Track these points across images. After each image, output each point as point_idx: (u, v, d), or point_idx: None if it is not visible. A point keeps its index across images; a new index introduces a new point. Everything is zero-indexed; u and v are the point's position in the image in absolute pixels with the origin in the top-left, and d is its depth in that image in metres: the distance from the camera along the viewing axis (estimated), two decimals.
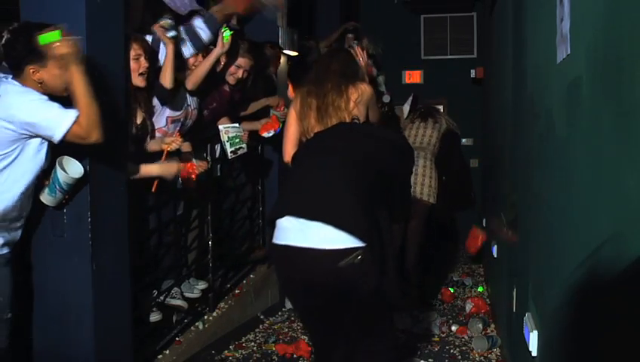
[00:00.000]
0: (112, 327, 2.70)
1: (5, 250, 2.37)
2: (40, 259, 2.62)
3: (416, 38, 7.20)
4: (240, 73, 3.70)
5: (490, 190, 5.07)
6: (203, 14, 3.42)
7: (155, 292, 3.28)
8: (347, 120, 2.52)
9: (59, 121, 2.24)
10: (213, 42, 3.41)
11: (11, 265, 2.40)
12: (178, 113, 3.31)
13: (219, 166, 3.89)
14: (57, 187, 2.42)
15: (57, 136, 2.25)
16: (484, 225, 5.43)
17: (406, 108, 5.43)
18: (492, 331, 4.01)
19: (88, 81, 2.28)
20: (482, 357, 3.67)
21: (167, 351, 3.25)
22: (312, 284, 2.25)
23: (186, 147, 3.24)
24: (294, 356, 3.65)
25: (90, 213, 2.54)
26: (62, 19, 2.41)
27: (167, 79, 3.13)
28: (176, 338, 3.38)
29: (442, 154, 5.00)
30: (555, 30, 1.85)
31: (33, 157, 2.33)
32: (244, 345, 3.84)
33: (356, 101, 2.52)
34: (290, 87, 4.30)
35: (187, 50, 3.36)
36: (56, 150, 2.39)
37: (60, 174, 2.40)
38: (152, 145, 3.11)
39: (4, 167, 2.29)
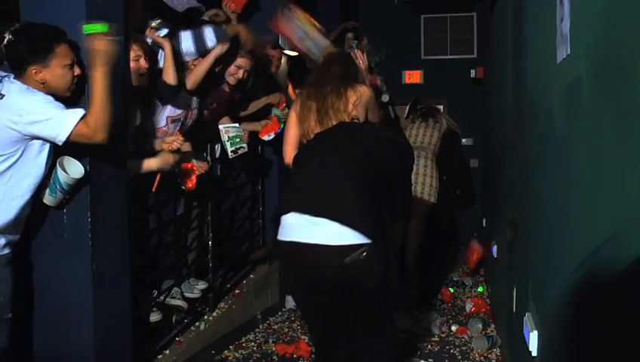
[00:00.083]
0: (112, 327, 2.70)
1: (6, 250, 2.37)
2: (40, 259, 2.62)
3: (416, 38, 7.20)
4: (240, 73, 3.70)
5: (490, 190, 5.07)
6: (213, 20, 3.45)
7: (155, 292, 3.28)
8: (346, 121, 2.53)
9: (64, 121, 2.25)
10: None
11: (12, 265, 2.40)
12: (178, 113, 3.31)
13: (219, 166, 3.89)
14: (58, 187, 2.42)
15: (63, 136, 2.26)
16: (483, 225, 5.44)
17: (406, 110, 5.45)
18: (492, 331, 4.01)
19: (109, 84, 2.30)
20: (482, 357, 3.67)
21: (167, 351, 3.25)
22: (318, 280, 2.27)
23: (187, 147, 3.24)
24: (294, 356, 3.65)
25: (90, 213, 2.54)
26: (62, 19, 2.42)
27: (170, 76, 3.16)
28: (176, 338, 3.38)
29: (443, 153, 5.02)
30: (555, 30, 1.85)
31: (35, 157, 2.34)
32: (244, 345, 3.84)
33: (355, 103, 2.54)
34: (290, 87, 4.30)
35: (189, 54, 3.36)
36: (58, 150, 2.40)
37: (61, 174, 2.40)
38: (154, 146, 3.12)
39: (8, 167, 2.30)
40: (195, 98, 3.46)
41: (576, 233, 1.58)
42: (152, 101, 3.20)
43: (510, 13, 3.36)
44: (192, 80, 3.35)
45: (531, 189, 2.40)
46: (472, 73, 6.56)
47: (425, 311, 4.35)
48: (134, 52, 2.90)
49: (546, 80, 2.08)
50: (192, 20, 3.51)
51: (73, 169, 2.44)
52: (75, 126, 2.25)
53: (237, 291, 4.08)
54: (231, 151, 3.66)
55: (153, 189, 3.03)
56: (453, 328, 4.08)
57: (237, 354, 3.69)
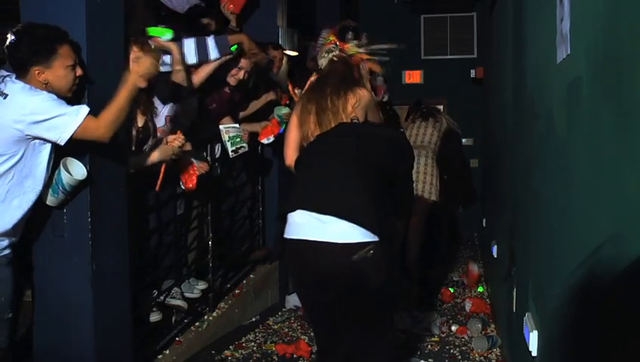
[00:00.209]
0: (112, 327, 2.70)
1: (7, 251, 2.38)
2: (40, 259, 2.62)
3: (416, 38, 7.20)
4: (241, 74, 3.73)
5: (490, 190, 5.08)
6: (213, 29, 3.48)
7: (155, 292, 3.28)
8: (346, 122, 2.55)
9: (69, 120, 2.27)
10: None
11: (12, 265, 2.40)
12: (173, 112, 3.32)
13: (217, 165, 3.89)
14: (60, 188, 2.43)
15: (67, 134, 2.28)
16: (483, 224, 5.44)
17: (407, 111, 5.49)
18: (492, 331, 4.01)
19: (135, 93, 2.44)
20: (482, 357, 3.67)
21: (167, 351, 3.25)
22: (325, 277, 2.29)
23: (187, 147, 3.24)
24: (294, 356, 3.65)
25: (90, 213, 2.54)
26: (62, 19, 2.42)
27: (180, 78, 3.20)
28: (177, 339, 3.38)
29: (443, 153, 5.05)
30: (555, 30, 1.85)
31: (37, 157, 2.34)
32: (244, 345, 3.84)
33: (354, 106, 2.55)
34: (290, 87, 4.31)
35: (190, 63, 3.37)
36: (59, 151, 2.40)
37: (64, 175, 2.40)
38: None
39: (10, 167, 2.30)
40: (194, 98, 3.47)
41: (576, 233, 1.58)
42: (153, 102, 3.20)
43: (510, 13, 3.36)
44: (195, 80, 3.38)
45: (531, 189, 2.40)
46: (472, 73, 6.56)
47: (425, 311, 4.35)
48: (134, 53, 2.90)
49: (546, 80, 2.08)
50: (192, 22, 3.52)
51: (76, 170, 2.45)
52: (81, 123, 2.27)
53: (237, 291, 4.08)
54: (232, 151, 3.67)
55: (157, 188, 3.03)
56: (453, 328, 4.08)
57: (237, 354, 3.69)
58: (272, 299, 4.45)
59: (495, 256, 4.03)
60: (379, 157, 2.41)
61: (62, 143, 2.30)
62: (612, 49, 1.29)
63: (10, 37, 2.31)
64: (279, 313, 4.44)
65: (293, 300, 4.58)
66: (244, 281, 4.24)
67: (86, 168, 2.48)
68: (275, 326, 4.19)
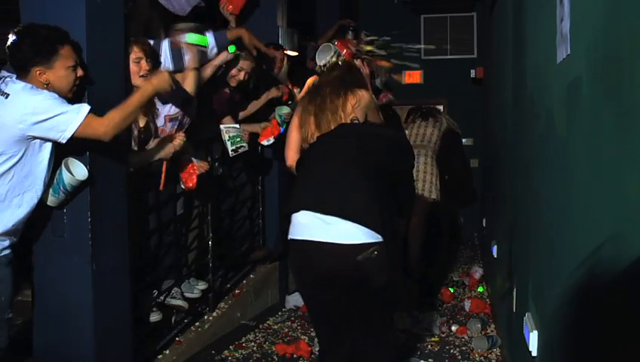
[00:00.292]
0: (112, 327, 2.70)
1: (8, 251, 2.38)
2: (40, 259, 2.62)
3: (416, 38, 7.20)
4: (242, 76, 3.74)
5: (490, 190, 5.08)
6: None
7: (155, 292, 3.28)
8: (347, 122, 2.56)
9: (70, 119, 2.28)
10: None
11: (12, 265, 2.40)
12: (176, 111, 3.32)
13: (217, 164, 3.89)
14: (61, 188, 2.43)
15: (68, 133, 2.29)
16: (483, 224, 5.44)
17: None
18: (492, 331, 4.01)
19: (145, 101, 2.53)
20: (482, 357, 3.67)
21: (167, 351, 3.25)
22: (330, 277, 2.31)
23: (187, 146, 3.25)
24: (294, 356, 3.65)
25: (90, 213, 2.54)
26: (62, 19, 2.42)
27: (190, 84, 3.22)
28: (177, 339, 3.38)
29: (444, 152, 5.09)
30: (555, 30, 1.85)
31: (38, 156, 2.35)
32: (244, 345, 3.84)
33: (354, 106, 2.57)
34: (290, 87, 4.31)
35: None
36: (60, 151, 2.40)
37: (66, 176, 2.40)
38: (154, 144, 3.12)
39: (11, 167, 2.30)
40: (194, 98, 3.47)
41: (576, 233, 1.58)
42: (154, 103, 3.20)
43: (510, 13, 3.36)
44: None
45: (531, 189, 2.40)
46: (472, 73, 6.56)
47: (425, 311, 4.35)
48: (135, 54, 2.90)
49: (546, 80, 2.08)
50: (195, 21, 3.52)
51: (78, 170, 2.45)
52: (82, 122, 2.28)
53: (237, 291, 4.08)
54: (232, 150, 3.69)
55: (161, 187, 3.03)
56: (453, 328, 4.08)
57: (237, 354, 3.69)
58: (272, 299, 4.45)
59: (495, 256, 4.03)
60: (380, 157, 2.43)
61: (64, 141, 2.31)
62: (612, 49, 1.29)
63: (11, 37, 2.32)
64: (279, 313, 4.44)
65: (293, 300, 4.59)
66: (244, 281, 4.24)
67: (86, 168, 2.48)
68: (275, 326, 4.19)
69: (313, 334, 3.92)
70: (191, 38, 3.15)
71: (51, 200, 2.48)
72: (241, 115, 4.09)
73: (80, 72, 2.39)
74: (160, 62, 3.18)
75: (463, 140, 6.56)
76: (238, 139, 3.69)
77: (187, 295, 3.50)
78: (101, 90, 2.56)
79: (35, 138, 2.30)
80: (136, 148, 2.97)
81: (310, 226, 2.30)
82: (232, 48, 3.46)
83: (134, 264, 2.87)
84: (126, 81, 2.81)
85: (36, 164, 2.35)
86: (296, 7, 5.31)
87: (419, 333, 4.02)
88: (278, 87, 4.15)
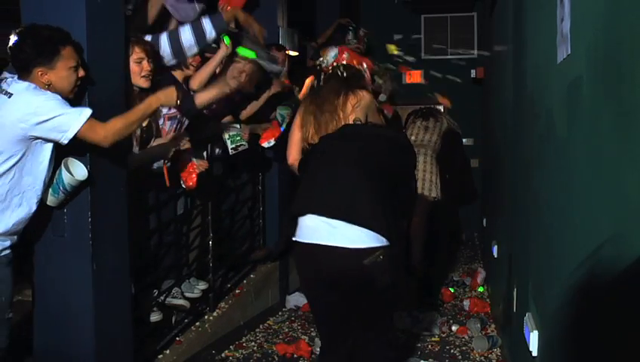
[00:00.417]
0: (112, 327, 2.70)
1: (8, 251, 2.38)
2: (40, 258, 2.62)
3: (416, 38, 7.20)
4: (243, 77, 3.74)
5: (490, 190, 5.08)
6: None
7: (156, 292, 3.28)
8: (350, 123, 2.58)
9: (72, 120, 2.28)
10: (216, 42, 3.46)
11: (12, 265, 2.40)
12: (174, 110, 3.32)
13: (219, 165, 3.90)
14: (61, 188, 2.43)
15: (69, 134, 2.29)
16: (483, 224, 5.44)
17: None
18: (492, 331, 4.01)
19: (150, 114, 2.54)
20: (482, 357, 3.67)
21: (168, 351, 3.24)
22: (337, 281, 2.35)
23: (186, 145, 3.25)
24: (294, 356, 3.65)
25: (91, 213, 2.54)
26: (62, 19, 2.42)
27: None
28: (177, 338, 3.38)
29: (444, 152, 5.12)
30: (556, 30, 1.85)
31: (39, 156, 2.35)
32: (244, 344, 3.84)
33: (354, 106, 2.61)
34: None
35: (190, 48, 3.36)
36: (61, 151, 2.40)
37: (65, 176, 2.41)
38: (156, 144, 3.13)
39: (12, 166, 2.30)
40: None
41: (576, 233, 1.58)
42: None
43: (510, 14, 3.36)
44: (197, 81, 3.39)
45: (531, 189, 2.40)
46: (472, 73, 6.56)
47: (425, 311, 4.35)
48: (136, 54, 2.89)
49: (546, 80, 2.08)
50: None
51: (77, 171, 2.45)
52: (84, 124, 2.29)
53: (237, 291, 4.08)
54: (231, 149, 3.71)
55: (167, 184, 3.03)
56: (454, 328, 4.08)
57: (237, 354, 3.69)
58: (272, 299, 4.45)
59: (495, 256, 4.03)
60: (382, 158, 2.45)
61: (65, 142, 2.31)
62: (612, 49, 1.29)
63: (13, 38, 2.32)
64: (279, 313, 4.44)
65: (293, 300, 4.59)
66: (245, 281, 4.24)
67: (86, 168, 2.48)
68: (276, 326, 4.19)
69: (313, 334, 3.93)
70: (242, 51, 3.39)
71: (51, 200, 2.48)
72: (243, 114, 4.09)
73: (81, 73, 2.40)
74: (161, 64, 3.18)
75: (463, 140, 6.57)
76: (238, 138, 3.70)
77: (187, 295, 3.50)
78: (101, 90, 2.56)
79: (36, 138, 2.30)
80: (137, 148, 2.97)
81: (317, 230, 2.33)
82: (227, 40, 3.46)
83: (134, 264, 2.87)
84: (126, 81, 2.81)
85: (37, 164, 2.36)
86: (296, 7, 5.32)
87: (419, 333, 4.02)
88: (277, 82, 4.15)
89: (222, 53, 3.45)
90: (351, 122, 2.58)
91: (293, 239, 2.44)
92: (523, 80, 2.71)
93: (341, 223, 2.29)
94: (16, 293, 2.62)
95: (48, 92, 2.30)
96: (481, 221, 5.92)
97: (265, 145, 3.98)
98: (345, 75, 2.79)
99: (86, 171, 2.46)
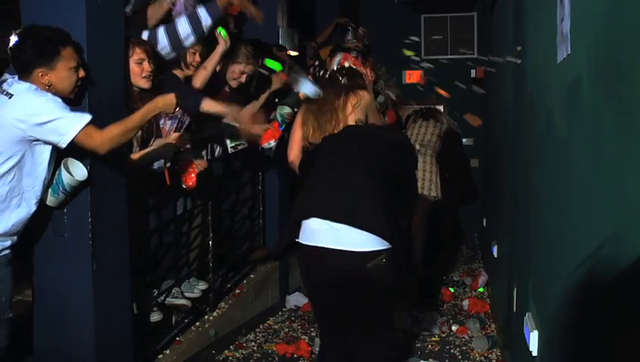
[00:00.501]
0: (112, 327, 2.70)
1: (7, 251, 2.38)
2: (40, 258, 2.62)
3: (416, 38, 7.20)
4: (243, 78, 3.75)
5: (490, 190, 5.08)
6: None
7: (156, 292, 3.28)
8: (347, 124, 2.59)
9: (70, 125, 2.28)
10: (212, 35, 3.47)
11: (12, 265, 2.40)
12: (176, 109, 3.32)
13: (219, 165, 3.90)
14: (60, 188, 2.43)
15: (67, 138, 2.28)
16: (483, 224, 5.44)
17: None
18: (492, 331, 4.01)
19: (144, 123, 2.55)
20: (482, 357, 3.67)
21: (168, 351, 3.24)
22: (340, 282, 2.40)
23: (186, 145, 3.25)
24: (294, 356, 3.65)
25: (91, 213, 2.54)
26: (62, 19, 2.42)
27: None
28: (177, 338, 3.38)
29: (445, 152, 5.14)
30: (556, 30, 1.85)
31: (38, 158, 2.35)
32: (244, 344, 3.84)
33: (355, 105, 2.63)
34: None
35: (187, 38, 3.35)
36: (60, 151, 2.40)
37: (65, 176, 2.41)
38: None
39: (11, 167, 2.30)
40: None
41: (576, 233, 1.58)
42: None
43: (510, 13, 3.36)
44: (200, 79, 3.39)
45: (531, 189, 2.40)
46: (472, 73, 6.56)
47: (425, 311, 4.35)
48: (137, 55, 2.89)
49: (546, 80, 2.08)
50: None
51: (77, 171, 2.45)
52: (81, 130, 2.28)
53: (237, 291, 4.08)
54: (231, 147, 3.73)
55: (167, 183, 3.03)
56: (454, 328, 4.08)
57: (237, 354, 3.69)
58: (272, 299, 4.45)
59: (495, 256, 4.03)
60: (384, 159, 2.48)
61: (63, 146, 2.31)
62: (612, 49, 1.29)
63: (13, 39, 2.32)
64: (279, 313, 4.44)
65: (293, 300, 4.59)
66: (245, 281, 4.24)
67: (86, 168, 2.48)
68: (276, 326, 4.19)
69: (313, 334, 3.93)
70: (269, 62, 3.67)
71: (50, 201, 2.48)
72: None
73: (82, 73, 2.40)
74: (161, 64, 3.18)
75: (463, 140, 6.58)
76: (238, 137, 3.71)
77: (187, 295, 3.50)
78: (101, 90, 2.56)
79: (36, 140, 2.30)
80: (138, 148, 2.97)
81: (321, 232, 2.38)
82: (223, 33, 3.45)
83: (134, 264, 2.87)
84: (126, 82, 2.81)
85: (37, 165, 2.35)
86: (296, 7, 5.32)
87: (419, 333, 4.02)
88: (277, 79, 4.15)
89: (221, 47, 3.44)
90: (352, 123, 2.60)
91: (297, 241, 2.48)
92: (523, 80, 2.71)
93: (344, 227, 2.33)
94: (16, 293, 2.62)
95: (49, 94, 2.31)
96: (481, 221, 5.92)
97: (265, 146, 3.97)
98: (345, 75, 2.82)
99: (86, 171, 2.46)
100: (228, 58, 3.64)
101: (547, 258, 2.03)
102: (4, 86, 2.32)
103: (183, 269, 3.56)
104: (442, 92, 5.67)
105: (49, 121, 2.25)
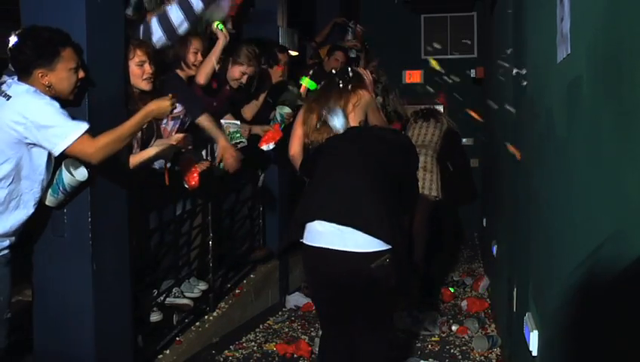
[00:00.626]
0: (112, 327, 2.70)
1: (6, 251, 2.38)
2: (40, 258, 2.62)
3: (416, 38, 7.20)
4: (244, 79, 3.76)
5: (490, 190, 5.08)
6: None
7: (156, 292, 3.28)
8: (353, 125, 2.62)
9: (66, 133, 2.26)
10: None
11: (11, 265, 2.40)
12: (179, 110, 3.32)
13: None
14: (60, 188, 2.43)
15: (61, 147, 2.27)
16: (483, 224, 5.44)
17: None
18: (492, 331, 4.01)
19: (139, 129, 2.55)
20: (482, 357, 3.67)
21: (168, 351, 3.25)
22: (345, 283, 2.44)
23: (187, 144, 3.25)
24: (294, 356, 3.65)
25: (91, 213, 2.54)
26: (62, 19, 2.42)
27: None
28: (177, 338, 3.38)
29: (445, 152, 5.18)
30: (555, 30, 1.85)
31: (37, 159, 2.34)
32: (244, 344, 3.84)
33: (355, 104, 2.66)
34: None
35: (181, 25, 3.33)
36: (60, 153, 2.39)
37: (66, 176, 2.40)
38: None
39: (11, 170, 2.30)
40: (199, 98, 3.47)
41: (576, 233, 1.58)
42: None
43: (510, 13, 3.36)
44: (202, 74, 3.41)
45: (531, 189, 2.40)
46: (472, 73, 6.56)
47: (425, 311, 4.35)
48: (138, 57, 2.88)
49: (546, 80, 2.07)
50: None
51: (78, 171, 2.45)
52: (78, 138, 2.27)
53: (237, 291, 4.08)
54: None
55: (167, 183, 3.03)
56: (454, 328, 4.08)
57: (237, 354, 3.69)
58: (272, 299, 4.45)
59: (495, 256, 4.03)
60: (385, 160, 2.52)
61: (56, 154, 2.30)
62: (612, 48, 1.28)
63: (13, 39, 2.32)
64: (279, 313, 4.44)
65: (293, 300, 4.59)
66: (245, 281, 4.24)
67: (87, 169, 2.48)
68: (275, 326, 4.19)
69: (313, 334, 3.93)
70: (304, 81, 3.96)
71: (50, 200, 2.48)
72: (245, 112, 4.09)
73: (81, 74, 2.39)
74: (162, 65, 3.17)
75: (463, 140, 6.59)
76: (238, 135, 3.70)
77: (187, 295, 3.50)
78: (101, 91, 2.56)
79: (33, 143, 2.29)
80: (138, 148, 2.96)
81: (327, 234, 2.42)
82: (220, 26, 3.46)
83: (134, 264, 2.87)
84: (126, 83, 2.81)
85: (35, 168, 2.35)
86: (296, 7, 5.32)
87: (419, 333, 4.02)
88: (275, 73, 4.16)
89: (221, 42, 3.45)
90: (353, 122, 2.62)
91: (301, 241, 2.52)
92: (523, 80, 2.71)
93: (349, 229, 2.38)
94: (16, 293, 2.62)
95: (47, 97, 2.29)
96: (481, 221, 5.91)
97: (264, 147, 3.96)
98: (345, 76, 2.84)
99: (86, 171, 2.46)
100: (228, 58, 3.65)
101: (547, 258, 2.03)
102: (3, 87, 2.31)
103: (183, 269, 3.56)
104: (475, 115, 5.71)
105: (45, 126, 2.24)
